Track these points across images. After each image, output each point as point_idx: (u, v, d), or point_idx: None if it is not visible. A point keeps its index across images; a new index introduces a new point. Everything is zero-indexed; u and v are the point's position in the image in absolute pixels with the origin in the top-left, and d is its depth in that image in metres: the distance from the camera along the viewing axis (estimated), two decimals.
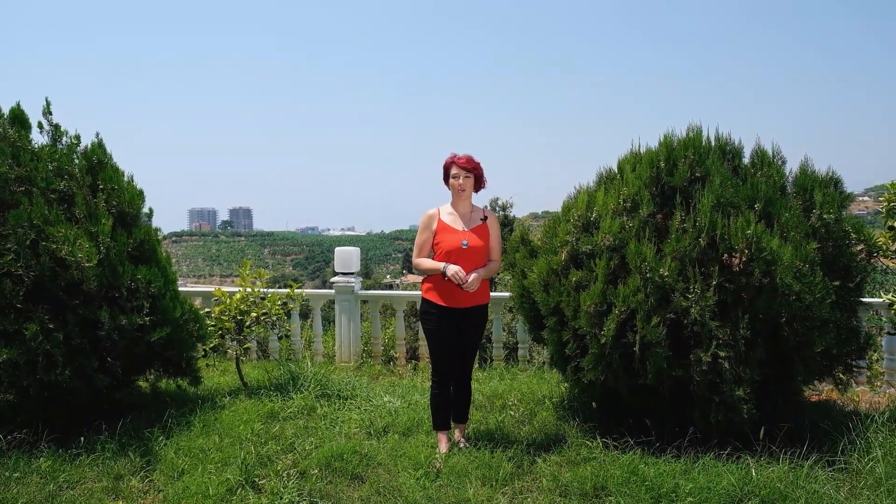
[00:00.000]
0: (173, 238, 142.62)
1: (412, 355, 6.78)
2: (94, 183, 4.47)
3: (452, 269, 3.65)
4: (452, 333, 3.80)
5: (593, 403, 3.98)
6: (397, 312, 6.54)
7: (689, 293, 3.52)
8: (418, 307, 6.59)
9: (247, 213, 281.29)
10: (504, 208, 16.70)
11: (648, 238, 3.63)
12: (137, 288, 4.26)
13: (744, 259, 3.47)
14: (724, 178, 3.87)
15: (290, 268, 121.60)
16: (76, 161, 4.50)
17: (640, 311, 3.47)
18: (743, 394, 3.47)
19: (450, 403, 3.94)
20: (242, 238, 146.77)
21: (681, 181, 3.91)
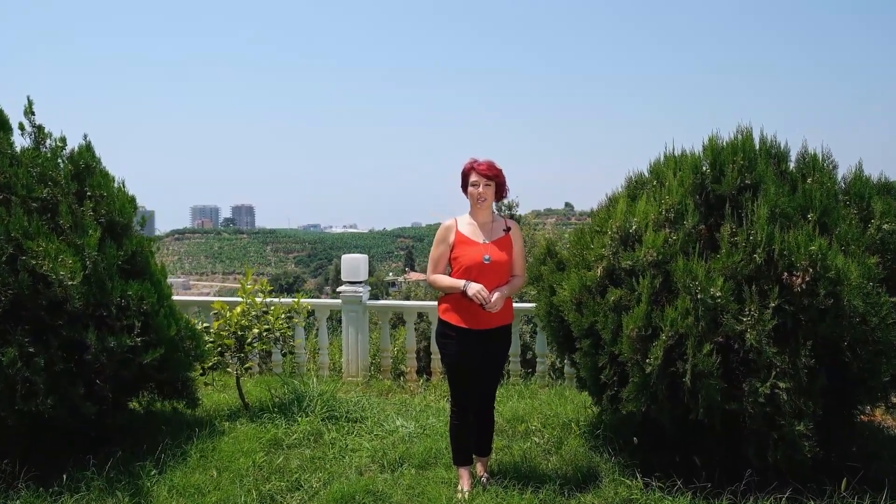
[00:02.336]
0: (176, 235, 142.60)
1: (419, 356, 6.39)
2: (81, 190, 4.08)
3: (474, 288, 3.27)
4: (474, 358, 3.42)
5: (634, 439, 3.59)
6: (407, 324, 6.16)
7: (742, 315, 3.14)
8: (429, 318, 6.30)
9: (249, 211, 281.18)
10: (510, 207, 16.37)
11: (699, 254, 3.24)
12: (128, 305, 3.88)
13: (807, 278, 3.08)
14: (777, 187, 3.48)
15: (293, 265, 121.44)
16: (61, 166, 4.12)
17: (691, 337, 3.08)
18: (804, 429, 3.09)
19: (471, 435, 3.57)
20: (245, 235, 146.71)
21: (729, 189, 3.52)
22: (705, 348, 3.07)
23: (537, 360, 5.92)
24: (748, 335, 3.10)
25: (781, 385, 3.06)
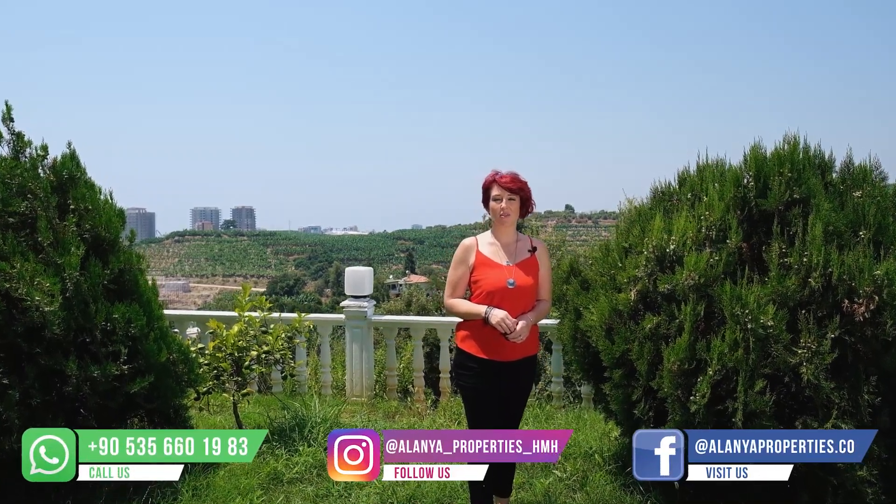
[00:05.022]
0: (176, 238, 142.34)
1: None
2: (64, 202, 3.75)
3: (497, 316, 2.94)
4: (495, 392, 3.09)
5: (676, 483, 3.25)
6: (415, 341, 5.83)
7: (797, 347, 2.80)
8: (438, 334, 5.97)
9: (249, 213, 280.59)
10: None
11: (747, 278, 2.91)
12: (114, 329, 3.55)
13: (871, 306, 2.75)
14: (828, 202, 3.16)
15: (293, 268, 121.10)
16: (42, 176, 3.79)
17: (742, 373, 2.75)
18: (867, 475, 2.76)
19: (491, 475, 3.23)
20: (245, 238, 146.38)
21: (775, 204, 3.19)
22: (757, 385, 2.74)
23: (553, 380, 5.59)
24: (804, 369, 2.76)
25: (843, 425, 2.73)
